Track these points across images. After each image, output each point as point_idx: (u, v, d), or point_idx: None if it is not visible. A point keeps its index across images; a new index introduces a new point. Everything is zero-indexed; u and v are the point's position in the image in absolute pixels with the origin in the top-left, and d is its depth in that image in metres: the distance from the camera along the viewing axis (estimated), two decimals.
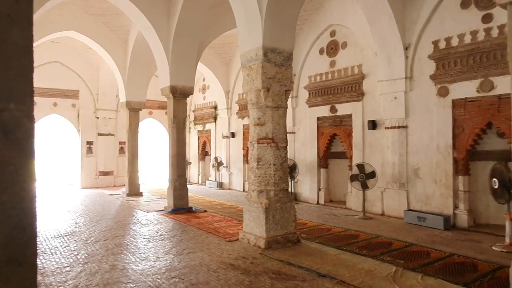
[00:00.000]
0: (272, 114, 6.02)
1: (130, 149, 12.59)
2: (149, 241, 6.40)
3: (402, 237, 6.54)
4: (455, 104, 7.47)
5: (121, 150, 15.62)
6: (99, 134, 15.41)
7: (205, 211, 9.30)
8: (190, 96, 10.19)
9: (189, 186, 11.72)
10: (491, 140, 7.28)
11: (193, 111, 17.23)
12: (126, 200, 11.38)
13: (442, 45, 7.67)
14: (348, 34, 9.68)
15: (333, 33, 10.12)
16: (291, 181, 10.73)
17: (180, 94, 9.49)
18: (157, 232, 7.05)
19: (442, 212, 7.54)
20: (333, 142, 10.43)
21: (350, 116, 9.61)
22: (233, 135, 14.17)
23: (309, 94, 10.79)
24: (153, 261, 5.24)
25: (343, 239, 6.49)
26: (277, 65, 6.06)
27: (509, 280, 3.17)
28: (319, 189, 10.57)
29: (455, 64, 7.45)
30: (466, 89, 7.27)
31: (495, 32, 6.83)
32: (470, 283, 4.33)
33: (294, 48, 11.01)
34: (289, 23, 6.14)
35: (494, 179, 5.90)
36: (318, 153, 10.57)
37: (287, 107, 6.29)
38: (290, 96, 10.96)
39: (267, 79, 5.96)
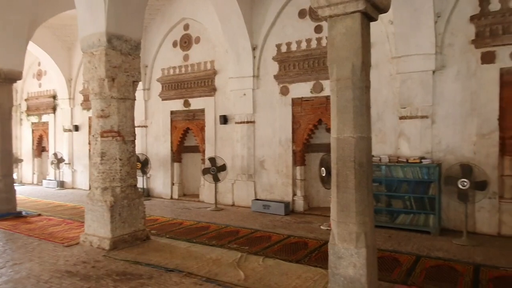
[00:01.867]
0: (118, 106, 5.61)
1: None
2: None
3: (248, 225, 7.02)
4: (294, 102, 8.38)
5: None
6: None
7: (39, 214, 8.10)
8: (19, 81, 8.68)
9: (20, 188, 10.06)
10: (321, 134, 8.45)
11: (25, 100, 14.74)
12: None
13: (284, 49, 8.49)
14: (201, 29, 9.79)
15: (186, 27, 10.08)
16: (143, 176, 10.32)
17: (4, 78, 7.96)
18: None
19: (283, 199, 8.39)
20: (187, 136, 10.45)
21: (203, 110, 9.77)
22: (76, 128, 12.72)
23: (162, 87, 10.52)
24: None
25: (194, 231, 6.57)
26: (123, 53, 5.66)
27: None
28: (172, 184, 10.45)
29: (293, 66, 8.34)
30: (303, 89, 8.24)
31: (324, 42, 7.92)
32: (301, 259, 4.94)
33: (147, 38, 10.63)
34: (136, 10, 5.79)
35: (322, 168, 6.86)
36: (171, 147, 10.42)
37: (135, 99, 5.95)
38: (142, 88, 10.61)
39: (112, 67, 5.51)
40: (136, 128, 10.65)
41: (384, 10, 3.80)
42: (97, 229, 5.55)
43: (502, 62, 6.17)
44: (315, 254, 5.17)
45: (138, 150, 10.49)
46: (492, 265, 4.68)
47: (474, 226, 6.30)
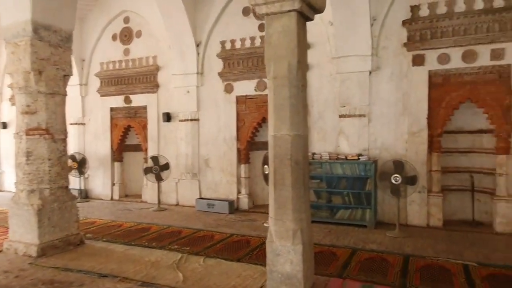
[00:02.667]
0: (46, 102, 5.20)
1: None
2: None
3: (191, 225, 6.88)
4: (238, 100, 8.36)
5: None
6: None
7: None
8: None
9: None
10: (265, 132, 8.45)
11: None
12: None
13: (228, 46, 8.42)
14: (142, 23, 9.40)
15: (126, 20, 9.64)
16: (80, 177, 9.74)
17: None
18: None
19: (228, 198, 8.34)
20: (128, 134, 10.02)
21: (145, 107, 9.42)
22: (4, 125, 11.66)
23: (101, 82, 9.97)
24: None
25: (134, 233, 6.31)
26: (52, 45, 5.26)
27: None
28: (113, 184, 9.97)
29: (238, 64, 8.31)
30: (247, 87, 8.23)
31: None
32: (242, 257, 4.93)
33: (83, 30, 10.04)
34: None
35: (265, 165, 6.90)
36: (111, 145, 9.93)
37: (66, 94, 5.55)
38: (79, 83, 10.00)
39: (39, 60, 5.09)
40: (72, 126, 10.12)
41: (320, 10, 3.88)
42: (23, 235, 5.12)
43: (431, 64, 6.61)
44: (256, 252, 5.19)
45: (75, 149, 9.95)
46: (420, 255, 4.99)
47: (406, 219, 6.71)
